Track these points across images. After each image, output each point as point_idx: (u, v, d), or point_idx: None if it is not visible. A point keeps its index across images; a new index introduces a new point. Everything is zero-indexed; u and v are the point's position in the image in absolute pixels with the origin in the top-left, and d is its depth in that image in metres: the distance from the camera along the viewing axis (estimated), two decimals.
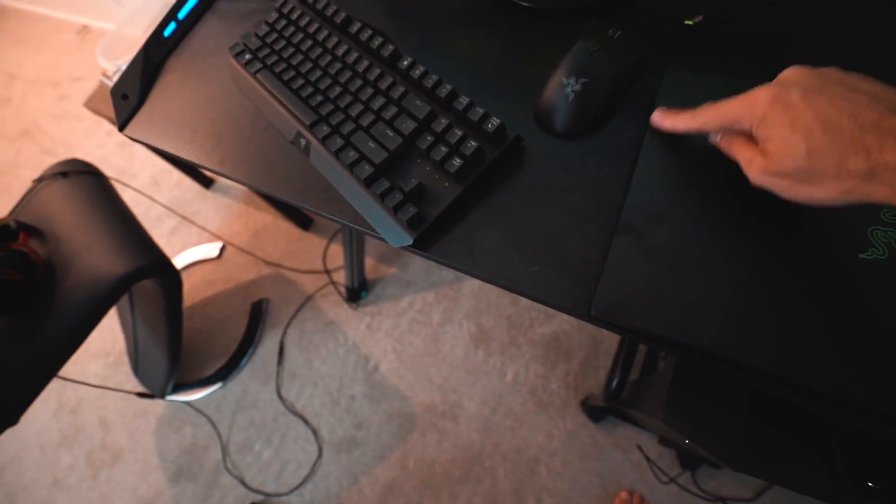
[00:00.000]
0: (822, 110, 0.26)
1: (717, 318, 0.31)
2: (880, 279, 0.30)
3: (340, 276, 1.34)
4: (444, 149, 0.39)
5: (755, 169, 0.30)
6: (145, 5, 1.47)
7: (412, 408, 1.16)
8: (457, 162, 0.38)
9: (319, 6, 0.52)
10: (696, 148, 0.37)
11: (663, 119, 0.37)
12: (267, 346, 1.32)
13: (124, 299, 1.14)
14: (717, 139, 0.34)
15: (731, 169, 0.35)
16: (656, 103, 0.40)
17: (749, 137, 0.30)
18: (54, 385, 1.31)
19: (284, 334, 1.32)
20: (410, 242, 0.39)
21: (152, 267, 0.88)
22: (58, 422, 1.33)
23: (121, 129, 0.59)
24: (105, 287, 0.84)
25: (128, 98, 0.60)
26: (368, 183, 0.41)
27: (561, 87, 0.41)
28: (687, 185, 0.36)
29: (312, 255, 1.40)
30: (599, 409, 0.98)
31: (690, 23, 0.45)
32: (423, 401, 1.16)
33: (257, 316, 1.36)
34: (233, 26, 0.64)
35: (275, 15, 0.55)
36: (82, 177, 0.99)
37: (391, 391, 1.19)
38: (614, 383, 0.78)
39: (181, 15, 0.64)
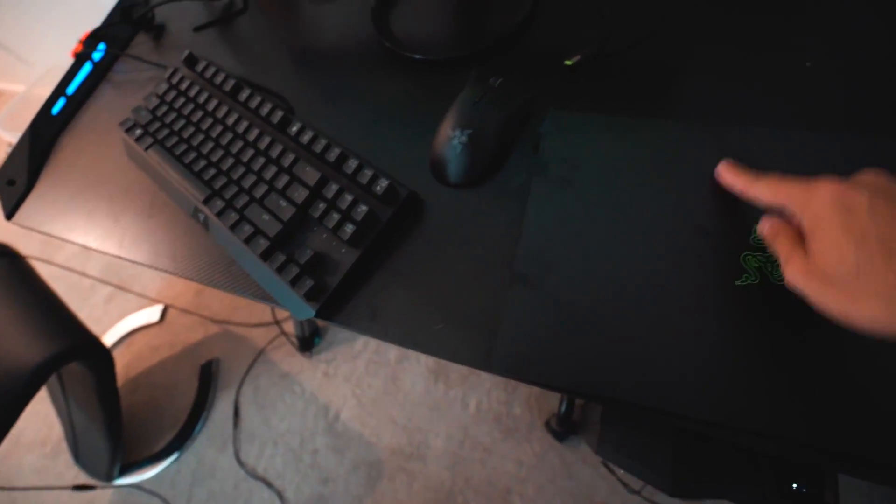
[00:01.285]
0: (887, 223, 0.23)
1: (611, 363, 0.32)
2: (754, 305, 0.31)
3: (291, 326, 1.29)
4: (336, 215, 0.39)
5: (793, 267, 0.27)
6: (57, 64, 1.40)
7: (378, 453, 1.12)
8: (349, 228, 0.38)
9: (208, 74, 0.51)
10: (583, 193, 0.38)
11: (726, 170, 0.34)
12: (221, 409, 1.25)
13: (54, 383, 1.06)
14: (764, 229, 0.31)
15: (618, 215, 0.36)
16: (541, 146, 0.41)
17: (797, 233, 0.28)
18: None
19: (238, 394, 1.26)
20: (313, 314, 0.38)
21: (73, 349, 0.82)
22: None
23: (8, 217, 0.55)
24: (21, 378, 0.78)
25: (15, 183, 0.56)
26: (265, 257, 0.39)
27: (448, 139, 0.41)
28: (577, 230, 0.37)
29: (260, 307, 1.35)
30: (562, 430, 0.98)
31: (570, 63, 0.46)
32: (389, 444, 1.13)
33: (207, 378, 1.29)
34: (128, 97, 0.62)
35: (164, 86, 0.53)
36: None
37: (355, 439, 1.15)
38: (563, 408, 0.78)
39: (70, 90, 0.61)
